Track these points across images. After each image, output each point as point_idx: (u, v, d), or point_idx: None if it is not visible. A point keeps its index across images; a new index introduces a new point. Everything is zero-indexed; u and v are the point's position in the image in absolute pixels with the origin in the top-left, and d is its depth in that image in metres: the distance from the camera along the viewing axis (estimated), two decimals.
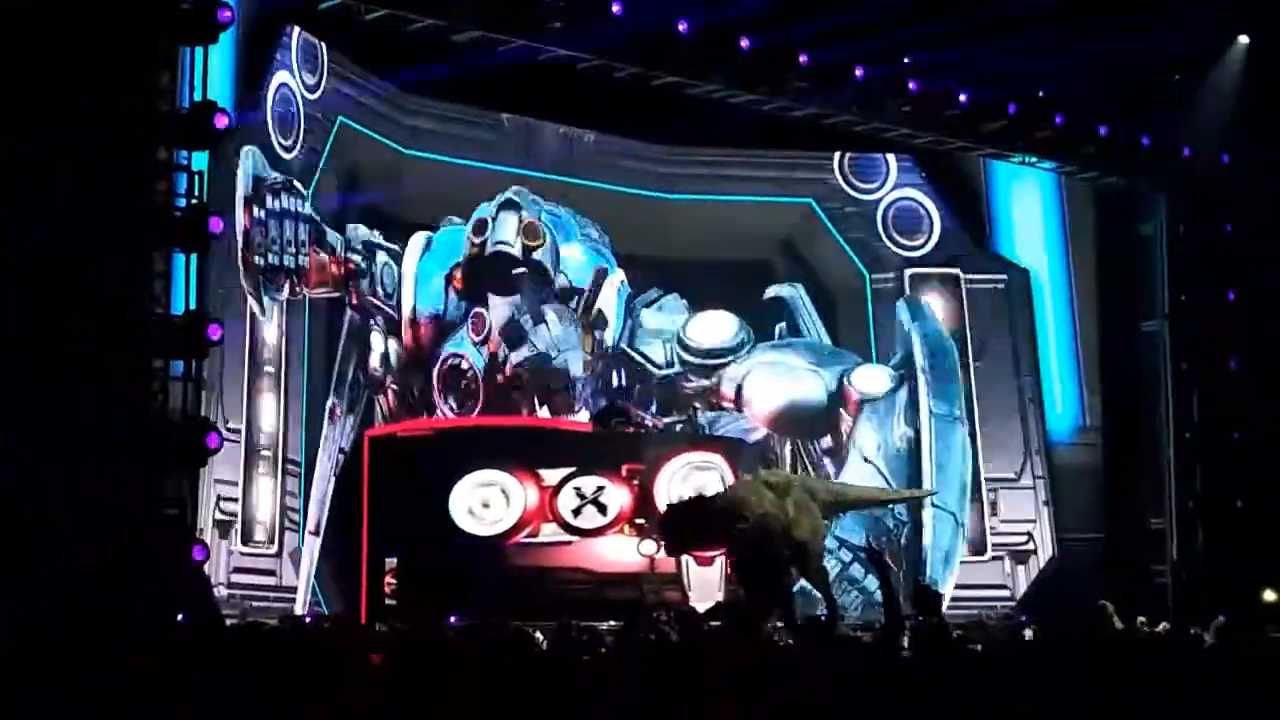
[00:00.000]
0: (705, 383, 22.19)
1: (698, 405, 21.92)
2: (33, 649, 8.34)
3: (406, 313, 20.50)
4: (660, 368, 21.97)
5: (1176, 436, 22.72)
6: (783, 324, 22.96)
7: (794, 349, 22.65)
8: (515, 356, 20.70)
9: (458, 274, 20.76)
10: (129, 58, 13.62)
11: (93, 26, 13.27)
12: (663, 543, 16.56)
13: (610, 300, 21.69)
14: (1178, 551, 22.47)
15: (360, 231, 19.96)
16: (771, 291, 23.01)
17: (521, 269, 20.79)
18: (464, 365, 20.67)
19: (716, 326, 22.26)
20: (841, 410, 22.26)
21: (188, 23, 14.24)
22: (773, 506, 15.30)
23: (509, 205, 20.90)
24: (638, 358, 21.90)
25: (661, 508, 16.86)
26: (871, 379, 22.25)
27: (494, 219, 20.80)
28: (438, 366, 20.61)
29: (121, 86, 13.55)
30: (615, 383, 21.62)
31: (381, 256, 20.17)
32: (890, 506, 20.91)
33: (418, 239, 20.63)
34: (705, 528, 15.58)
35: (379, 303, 20.12)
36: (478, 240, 20.76)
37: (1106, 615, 13.73)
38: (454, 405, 20.57)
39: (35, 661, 7.98)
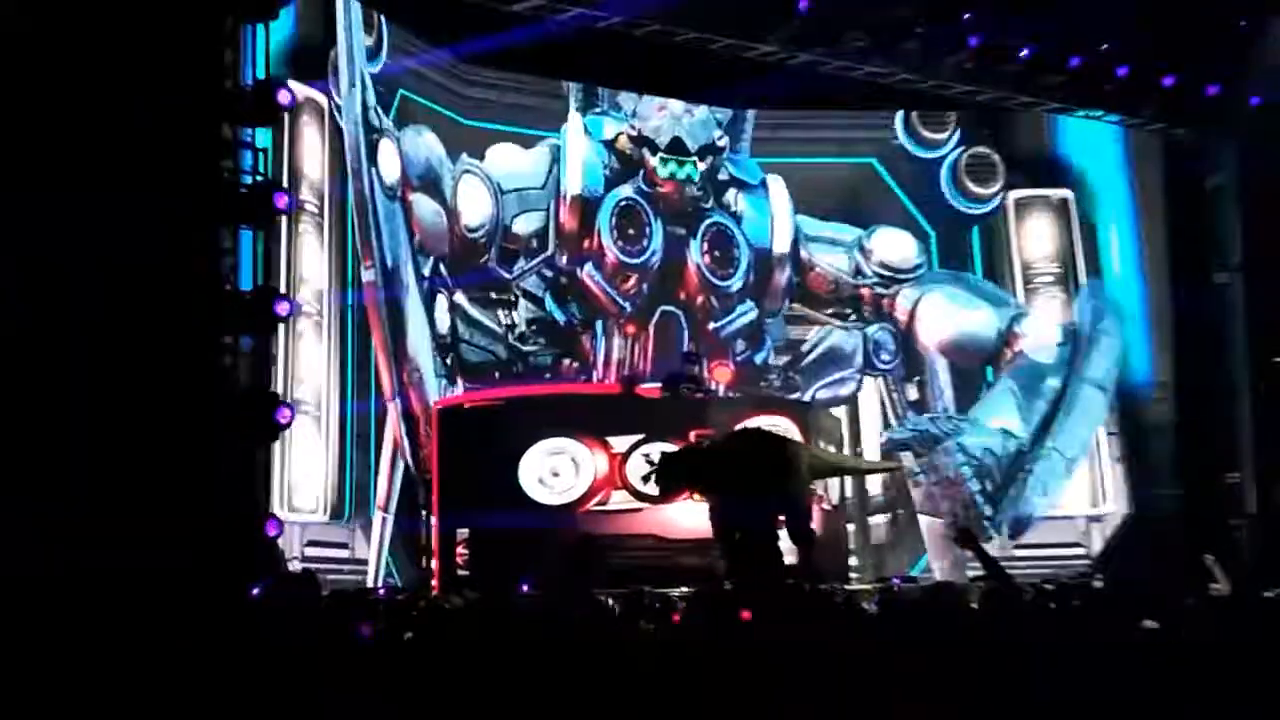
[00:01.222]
0: (884, 291, 22.70)
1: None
2: (108, 625, 8.36)
3: (574, 190, 21.02)
4: (846, 273, 22.64)
5: (1252, 389, 22.51)
6: None
7: (967, 283, 22.98)
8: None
9: (622, 138, 21.52)
10: (191, 36, 13.63)
11: (154, 6, 13.29)
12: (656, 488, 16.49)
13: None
14: (1255, 506, 22.29)
15: None
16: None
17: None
18: (635, 206, 21.40)
19: (899, 243, 22.82)
20: (1006, 350, 22.63)
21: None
22: (769, 460, 15.28)
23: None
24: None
25: None
26: (1041, 333, 22.61)
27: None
28: (610, 211, 21.24)
29: (185, 65, 13.57)
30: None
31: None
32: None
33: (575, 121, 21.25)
34: (697, 476, 15.65)
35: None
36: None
37: (1206, 569, 13.28)
38: (623, 245, 21.26)
39: (107, 638, 8.01)
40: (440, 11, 18.36)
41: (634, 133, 21.43)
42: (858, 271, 22.66)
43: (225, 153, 14.15)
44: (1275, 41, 21.62)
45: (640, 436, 17.62)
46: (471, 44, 19.78)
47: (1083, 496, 22.48)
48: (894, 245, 22.80)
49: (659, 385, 18.78)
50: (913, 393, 22.76)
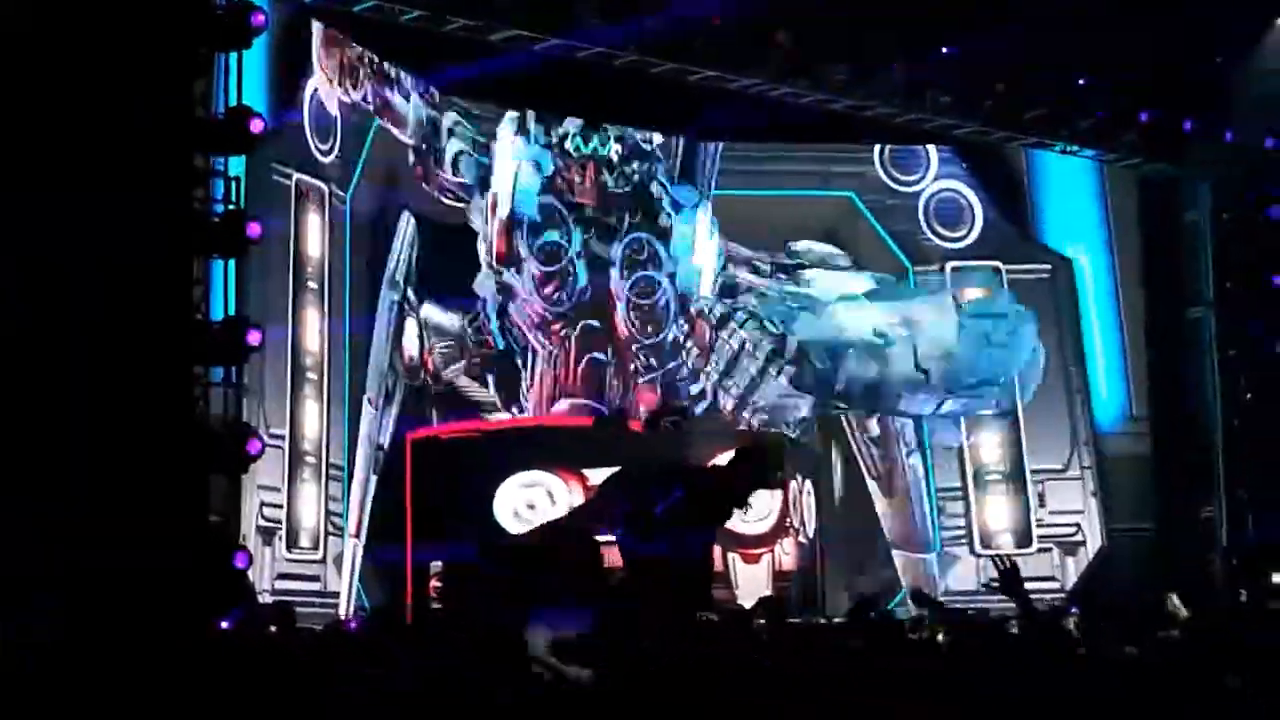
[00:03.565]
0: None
1: None
2: (74, 661, 8.28)
3: (503, 214, 20.46)
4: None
5: (1225, 424, 22.57)
6: None
7: None
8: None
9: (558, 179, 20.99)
10: (164, 65, 13.57)
11: (126, 34, 13.23)
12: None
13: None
14: (1228, 540, 22.34)
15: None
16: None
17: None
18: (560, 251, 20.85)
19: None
20: None
21: (220, 28, 14.22)
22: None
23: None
24: None
25: None
26: None
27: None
28: (536, 247, 20.70)
29: (157, 94, 13.50)
30: None
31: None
32: None
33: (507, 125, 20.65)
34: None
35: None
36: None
37: (1170, 611, 13.15)
38: (547, 292, 20.75)
39: (75, 674, 7.92)
40: (417, 40, 18.30)
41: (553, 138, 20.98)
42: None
43: (197, 181, 14.08)
44: (1250, 78, 21.69)
45: (617, 469, 17.51)
46: (449, 74, 19.72)
47: (1060, 530, 22.45)
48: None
49: (642, 419, 18.72)
50: (874, 428, 22.72)
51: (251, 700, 7.19)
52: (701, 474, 15.20)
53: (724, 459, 16.58)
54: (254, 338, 14.41)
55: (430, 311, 20.23)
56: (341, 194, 18.66)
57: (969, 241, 23.11)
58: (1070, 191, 23.18)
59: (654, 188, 21.72)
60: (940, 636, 9.56)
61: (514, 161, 20.55)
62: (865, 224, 23.01)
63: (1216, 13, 19.71)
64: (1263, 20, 21.39)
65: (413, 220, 19.95)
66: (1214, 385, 22.70)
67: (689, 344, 21.64)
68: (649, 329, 21.45)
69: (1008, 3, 19.37)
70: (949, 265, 23.08)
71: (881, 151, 22.94)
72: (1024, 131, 22.08)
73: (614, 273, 21.33)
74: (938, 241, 23.06)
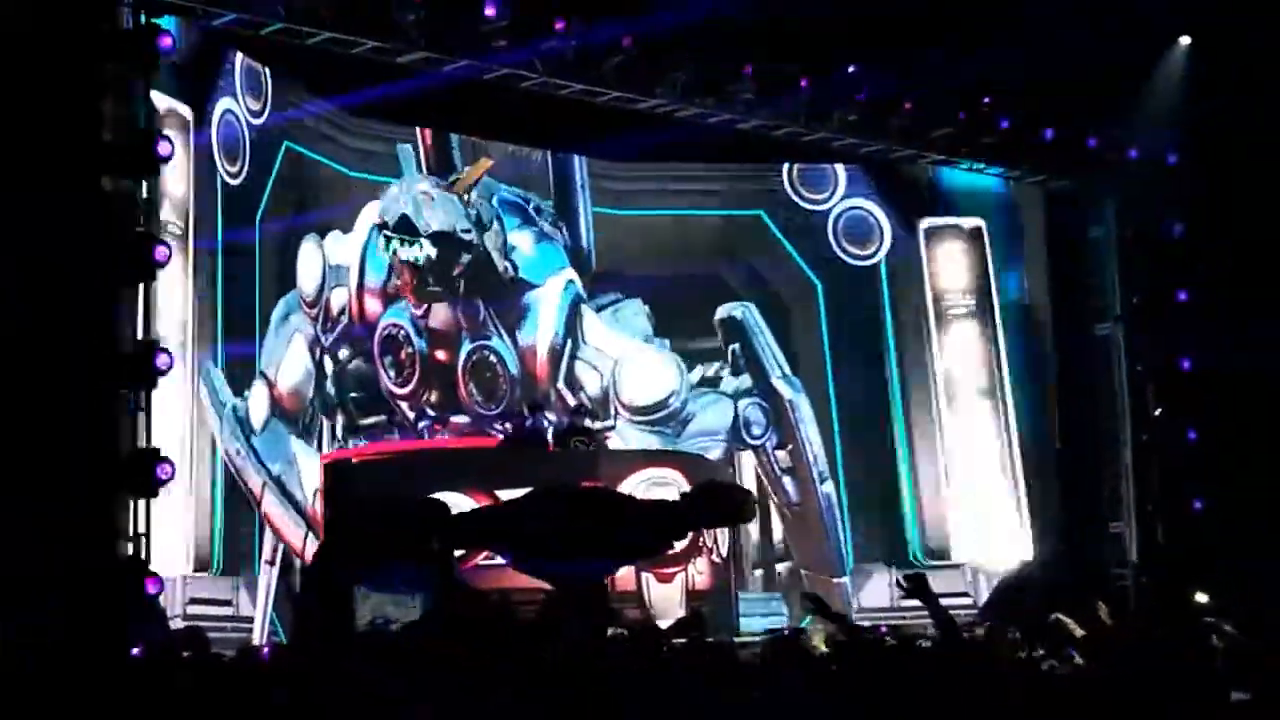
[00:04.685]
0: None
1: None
2: None
3: (353, 283, 20.17)
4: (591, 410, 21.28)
5: (1133, 439, 22.80)
6: (736, 345, 22.78)
7: None
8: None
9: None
10: (70, 86, 13.43)
11: (31, 55, 13.09)
12: None
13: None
14: (1138, 555, 22.54)
15: None
16: (722, 313, 22.83)
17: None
18: (400, 334, 20.38)
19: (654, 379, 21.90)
20: None
21: (127, 50, 14.08)
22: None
23: None
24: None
25: None
26: None
27: None
28: (377, 333, 20.32)
29: (63, 116, 13.37)
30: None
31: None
32: None
33: (371, 209, 20.35)
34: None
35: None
36: None
37: (1064, 631, 13.19)
38: (393, 374, 20.34)
39: None
40: (324, 63, 18.20)
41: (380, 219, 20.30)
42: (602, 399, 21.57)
43: (105, 204, 13.92)
44: (1150, 96, 21.97)
45: (529, 490, 17.45)
46: (357, 95, 19.62)
47: (973, 547, 22.57)
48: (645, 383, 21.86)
49: (553, 438, 18.61)
50: (785, 460, 22.71)
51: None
52: (652, 508, 15.23)
53: (672, 493, 16.83)
54: (163, 361, 14.27)
55: (345, 354, 20.16)
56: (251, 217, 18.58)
57: (878, 258, 23.21)
58: (976, 209, 23.33)
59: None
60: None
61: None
62: (774, 242, 23.05)
63: (1120, 29, 19.94)
64: (1166, 37, 21.70)
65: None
66: (1123, 400, 22.95)
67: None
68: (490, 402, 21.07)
69: (912, 22, 19.51)
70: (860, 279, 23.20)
71: (790, 170, 23.01)
72: (930, 148, 22.24)
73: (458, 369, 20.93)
74: (846, 259, 23.14)
